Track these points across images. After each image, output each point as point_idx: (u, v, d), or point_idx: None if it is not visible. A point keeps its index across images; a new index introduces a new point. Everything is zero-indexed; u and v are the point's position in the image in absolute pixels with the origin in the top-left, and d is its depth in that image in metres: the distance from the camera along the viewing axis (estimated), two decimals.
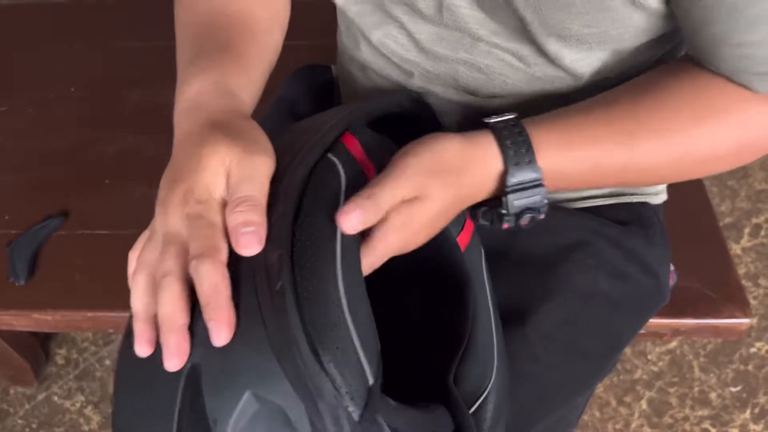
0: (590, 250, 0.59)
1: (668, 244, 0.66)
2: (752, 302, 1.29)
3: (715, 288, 0.74)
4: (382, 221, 0.42)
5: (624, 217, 0.62)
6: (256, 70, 0.50)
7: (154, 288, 0.37)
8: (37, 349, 1.17)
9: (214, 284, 0.35)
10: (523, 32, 0.49)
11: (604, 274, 0.59)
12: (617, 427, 1.15)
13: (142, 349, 0.36)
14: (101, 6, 1.11)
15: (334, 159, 0.42)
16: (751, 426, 1.14)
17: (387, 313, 0.40)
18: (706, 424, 1.14)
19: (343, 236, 0.39)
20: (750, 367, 1.20)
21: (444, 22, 0.51)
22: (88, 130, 0.94)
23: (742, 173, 1.46)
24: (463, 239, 0.49)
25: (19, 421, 1.15)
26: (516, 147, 0.46)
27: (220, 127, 0.41)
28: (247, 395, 0.34)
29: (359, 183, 0.42)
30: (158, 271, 0.37)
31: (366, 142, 0.45)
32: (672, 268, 0.67)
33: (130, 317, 0.39)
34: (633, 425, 1.15)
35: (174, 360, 0.35)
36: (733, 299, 0.73)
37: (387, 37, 0.55)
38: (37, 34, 1.07)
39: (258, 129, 0.42)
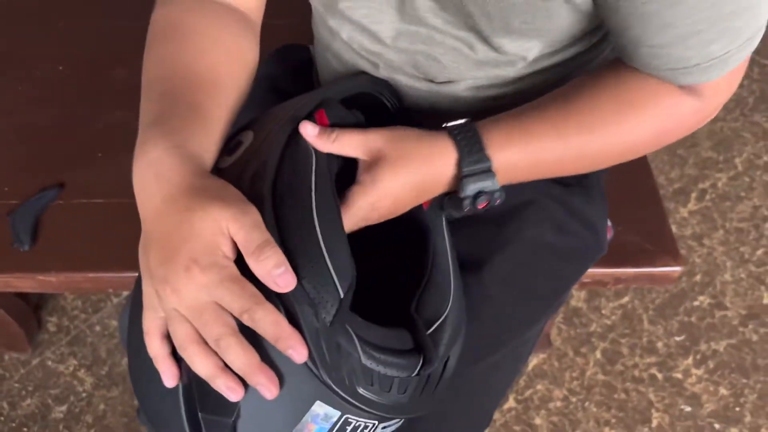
0: (537, 207, 0.67)
1: (606, 203, 0.75)
2: (697, 260, 1.40)
3: (652, 241, 0.84)
4: (348, 205, 0.51)
5: (568, 180, 0.71)
6: (220, 127, 0.51)
7: (209, 352, 0.42)
8: (30, 316, 1.23)
9: (276, 322, 0.41)
10: (471, 24, 0.56)
11: (550, 228, 0.67)
12: (574, 375, 1.25)
13: (236, 397, 0.42)
14: None
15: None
16: (693, 371, 1.26)
17: (363, 258, 0.49)
18: (653, 370, 1.26)
19: (318, 185, 0.47)
20: (693, 319, 1.32)
21: (405, 11, 0.57)
22: (77, 106, 0.99)
23: (690, 142, 1.57)
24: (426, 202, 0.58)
25: (16, 385, 1.22)
26: (467, 141, 0.53)
27: (199, 191, 0.43)
28: None
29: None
30: (209, 338, 0.41)
31: (335, 116, 0.53)
32: (609, 223, 0.76)
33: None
34: (588, 373, 1.25)
35: (274, 390, 0.41)
36: (666, 250, 0.83)
37: (353, 34, 0.61)
38: (23, 13, 1.11)
39: (226, 184, 0.45)
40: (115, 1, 1.13)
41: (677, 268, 0.82)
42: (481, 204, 0.55)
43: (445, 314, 0.51)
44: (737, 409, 1.21)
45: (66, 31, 1.08)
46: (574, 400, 1.22)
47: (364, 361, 0.44)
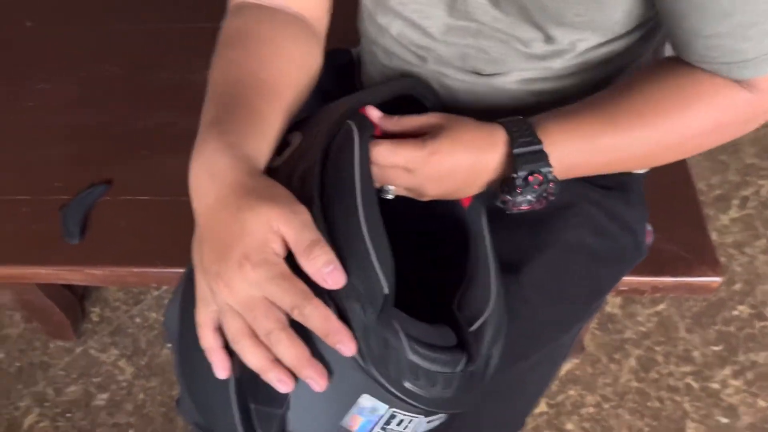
0: (577, 210, 0.67)
1: (646, 207, 0.74)
2: (737, 269, 1.38)
3: (691, 250, 0.83)
4: (401, 147, 0.53)
5: (608, 183, 0.71)
6: (275, 130, 0.53)
7: (260, 345, 0.43)
8: (76, 307, 1.27)
9: (325, 317, 0.42)
10: (524, 18, 0.57)
11: (589, 231, 0.67)
12: (607, 381, 1.24)
13: (286, 388, 0.43)
14: None
15: (350, 122, 0.52)
16: (731, 381, 1.23)
17: (406, 258, 0.50)
18: (689, 380, 1.24)
19: (362, 183, 0.48)
20: (732, 329, 1.30)
21: (456, 6, 0.58)
22: (125, 105, 1.02)
23: (732, 148, 1.54)
24: (465, 200, 0.58)
25: (60, 372, 1.26)
26: (520, 130, 0.55)
27: (251, 191, 0.44)
28: None
29: (370, 137, 0.53)
30: (260, 332, 0.43)
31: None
32: (649, 228, 0.76)
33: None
34: (622, 380, 1.25)
35: (323, 383, 0.43)
36: (705, 260, 0.82)
37: (403, 30, 0.63)
38: (73, 15, 1.15)
39: (277, 184, 0.46)
40: (160, 4, 1.16)
41: (717, 279, 0.81)
42: (536, 185, 0.55)
43: (487, 313, 0.52)
44: None
45: (114, 33, 1.11)
46: (606, 406, 1.21)
47: (410, 356, 0.46)
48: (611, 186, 0.71)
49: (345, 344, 0.42)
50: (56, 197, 0.91)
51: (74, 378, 1.25)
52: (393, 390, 0.44)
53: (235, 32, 0.58)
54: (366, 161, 0.51)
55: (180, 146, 0.95)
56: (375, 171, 0.53)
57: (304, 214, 0.44)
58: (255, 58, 0.55)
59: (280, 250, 0.43)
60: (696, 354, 1.27)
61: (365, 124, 0.53)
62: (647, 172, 0.77)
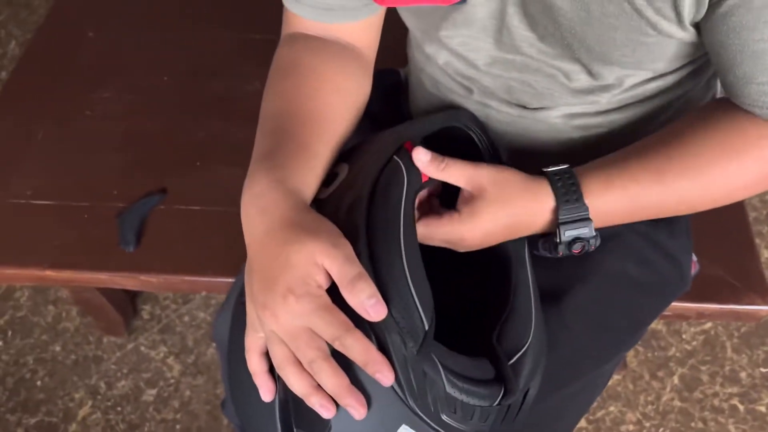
0: (621, 241, 0.67)
1: (691, 238, 0.74)
2: None
3: (738, 277, 0.82)
4: (440, 225, 0.54)
5: None
6: (323, 163, 0.55)
7: (304, 372, 0.45)
8: (128, 304, 1.33)
9: (365, 348, 0.44)
10: (569, 55, 0.57)
11: (633, 262, 0.67)
12: (649, 399, 1.23)
13: (328, 414, 0.45)
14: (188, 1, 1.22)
15: (398, 159, 0.53)
16: None
17: (445, 287, 0.51)
18: (735, 401, 1.22)
19: (405, 222, 0.50)
20: None
21: (502, 40, 0.59)
22: (179, 115, 1.06)
23: None
24: None
25: (112, 366, 1.32)
26: (566, 188, 0.55)
27: (296, 225, 0.46)
28: None
29: (417, 176, 0.54)
30: (303, 361, 0.45)
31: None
32: (694, 258, 0.75)
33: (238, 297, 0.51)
34: (664, 398, 1.23)
35: (362, 411, 0.45)
36: (753, 288, 0.81)
37: (450, 60, 0.63)
38: (130, 25, 1.19)
39: (322, 218, 0.48)
40: (216, 14, 1.19)
41: (765, 307, 0.80)
42: (576, 250, 0.56)
43: (526, 345, 0.53)
44: None
45: (171, 42, 1.14)
46: (647, 425, 1.20)
47: (449, 389, 0.47)
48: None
49: (384, 374, 0.44)
50: (113, 204, 0.95)
51: (125, 373, 1.30)
52: (431, 422, 0.46)
53: (286, 63, 0.60)
54: (411, 200, 0.52)
55: (233, 157, 0.99)
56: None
57: (347, 248, 0.46)
58: (304, 90, 0.57)
59: (323, 283, 0.45)
60: (743, 375, 1.24)
61: (412, 162, 0.54)
62: None
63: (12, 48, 1.81)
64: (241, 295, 0.52)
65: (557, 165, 0.56)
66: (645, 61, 0.56)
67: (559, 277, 0.66)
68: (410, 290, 0.47)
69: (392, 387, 0.45)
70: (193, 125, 1.04)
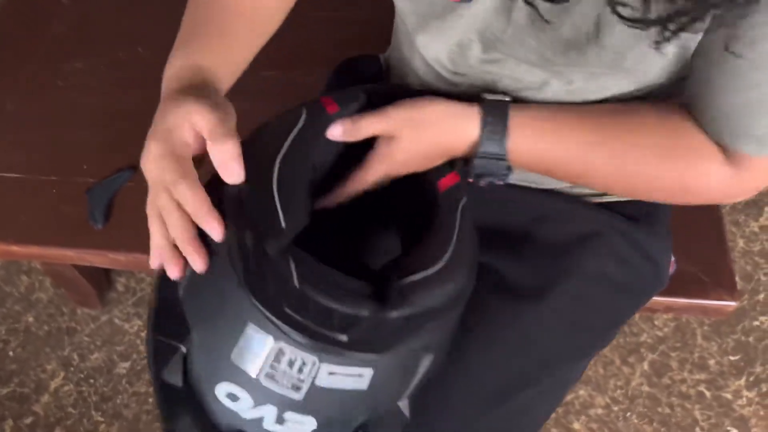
0: (602, 240, 0.67)
1: (671, 238, 0.74)
2: (762, 278, 1.35)
3: (708, 272, 0.82)
4: (364, 170, 0.55)
5: (633, 213, 0.70)
6: (243, 57, 0.59)
7: (163, 224, 0.46)
8: (102, 277, 1.32)
9: (198, 199, 0.44)
10: (551, 70, 0.56)
11: (612, 261, 0.67)
12: (618, 383, 1.25)
13: (173, 271, 0.46)
14: None
15: (302, 107, 0.54)
16: (744, 392, 1.23)
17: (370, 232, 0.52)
18: (702, 387, 1.24)
19: (290, 147, 0.51)
20: (751, 339, 1.28)
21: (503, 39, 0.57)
22: (153, 91, 1.03)
23: None
24: (444, 183, 0.57)
25: (86, 338, 1.31)
26: (493, 126, 0.55)
27: (191, 90, 0.50)
28: None
29: (319, 118, 0.54)
30: (159, 207, 0.46)
31: (341, 98, 0.56)
32: (673, 258, 0.75)
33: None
34: (633, 383, 1.25)
35: (201, 262, 0.45)
36: (722, 283, 0.81)
37: (440, 56, 0.61)
38: None
39: (217, 92, 0.51)
40: None
41: (732, 303, 0.81)
42: (483, 183, 0.58)
43: (423, 275, 0.49)
44: None
45: (150, 16, 1.11)
46: (616, 409, 1.22)
47: (300, 284, 0.44)
48: (637, 216, 0.70)
49: (213, 227, 0.45)
50: (83, 179, 0.94)
51: (98, 345, 1.30)
52: (268, 314, 0.43)
53: None
54: (306, 141, 0.52)
55: None
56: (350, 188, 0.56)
57: (228, 117, 0.47)
58: None
59: (189, 140, 0.47)
60: (711, 362, 1.26)
61: (319, 113, 0.54)
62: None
63: None
64: None
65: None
66: (624, 85, 0.55)
67: (539, 276, 0.66)
68: (274, 194, 0.48)
69: (238, 286, 0.44)
70: None
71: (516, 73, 0.59)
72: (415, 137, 0.55)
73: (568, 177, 0.60)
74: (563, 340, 0.66)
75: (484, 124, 0.55)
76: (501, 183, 0.58)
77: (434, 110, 0.56)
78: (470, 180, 0.58)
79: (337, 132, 0.54)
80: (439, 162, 0.57)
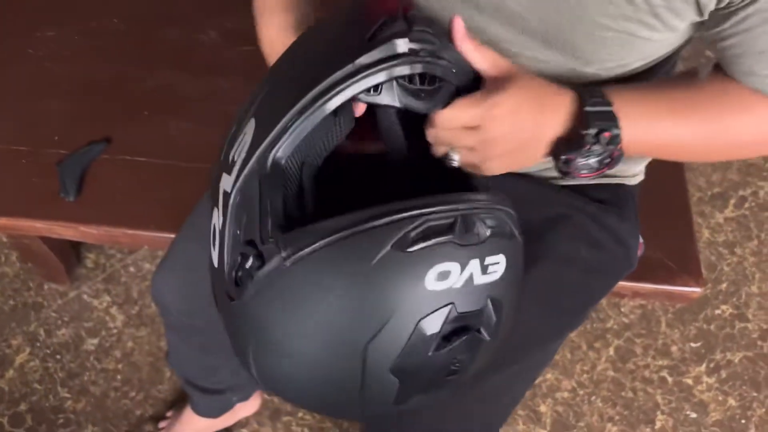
0: (573, 223, 0.68)
1: (638, 220, 0.75)
2: (725, 268, 1.39)
3: (675, 258, 0.84)
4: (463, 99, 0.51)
5: (603, 196, 0.72)
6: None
7: None
8: (69, 252, 1.29)
9: None
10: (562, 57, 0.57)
11: (584, 244, 0.69)
12: (585, 368, 1.28)
13: None
14: None
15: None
16: (704, 378, 1.27)
17: None
18: (664, 373, 1.27)
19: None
20: (712, 327, 1.32)
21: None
22: (129, 62, 1.01)
23: None
24: None
25: (53, 314, 1.29)
26: (590, 91, 0.53)
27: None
28: None
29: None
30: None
31: None
32: (641, 240, 0.77)
33: None
34: (599, 368, 1.28)
35: None
36: (689, 270, 0.84)
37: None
38: None
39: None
40: None
41: (697, 289, 0.83)
42: (605, 144, 0.53)
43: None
44: (743, 421, 1.22)
45: None
46: (581, 392, 1.25)
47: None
48: (606, 199, 0.71)
49: None
50: (55, 151, 0.92)
51: (66, 321, 1.28)
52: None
53: None
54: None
55: (183, 110, 0.96)
56: (440, 135, 0.51)
57: None
58: None
59: None
60: (674, 349, 1.29)
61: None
62: (646, 181, 0.77)
63: None
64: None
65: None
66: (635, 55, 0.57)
67: None
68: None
69: None
70: (143, 73, 1.00)
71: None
72: (521, 95, 0.50)
73: (663, 147, 0.60)
74: (537, 323, 0.67)
75: (578, 89, 0.54)
76: (617, 154, 0.54)
77: (533, 76, 0.53)
78: (587, 147, 0.53)
79: (460, 26, 0.50)
80: (542, 150, 0.54)
